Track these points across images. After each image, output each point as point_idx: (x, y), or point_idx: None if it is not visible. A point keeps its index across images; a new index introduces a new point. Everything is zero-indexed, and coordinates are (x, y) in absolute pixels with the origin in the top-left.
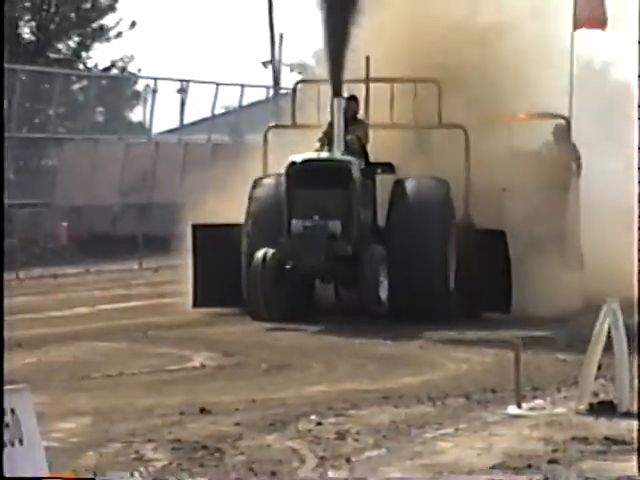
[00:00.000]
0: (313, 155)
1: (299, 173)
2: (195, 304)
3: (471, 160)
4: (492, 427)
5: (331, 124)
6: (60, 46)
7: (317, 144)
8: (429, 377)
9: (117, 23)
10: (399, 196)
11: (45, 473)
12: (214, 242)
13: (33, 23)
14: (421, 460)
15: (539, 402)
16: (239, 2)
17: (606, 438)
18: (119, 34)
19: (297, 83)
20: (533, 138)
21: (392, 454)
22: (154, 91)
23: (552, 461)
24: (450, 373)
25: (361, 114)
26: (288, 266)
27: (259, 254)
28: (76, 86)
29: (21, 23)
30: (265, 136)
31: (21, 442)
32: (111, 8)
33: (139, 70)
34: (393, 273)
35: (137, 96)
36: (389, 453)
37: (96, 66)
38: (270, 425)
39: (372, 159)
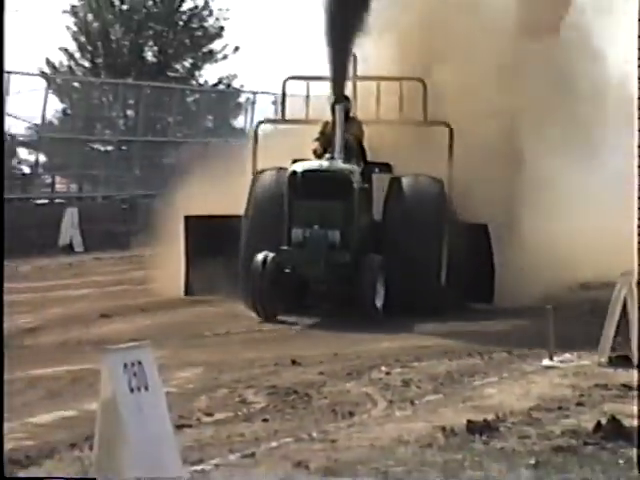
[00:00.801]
0: (315, 165)
1: (300, 183)
2: (187, 293)
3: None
4: (529, 376)
5: (326, 123)
6: (177, 66)
7: (315, 144)
8: (476, 336)
9: (223, 47)
10: (395, 194)
11: (166, 414)
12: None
13: (155, 48)
14: (471, 403)
15: (567, 356)
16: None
17: (623, 385)
18: (225, 56)
19: (287, 79)
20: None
21: (447, 398)
22: (253, 103)
23: (579, 404)
24: (493, 335)
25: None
26: (287, 270)
27: (259, 257)
28: (190, 99)
29: (146, 48)
30: (255, 132)
31: (146, 388)
32: (218, 35)
33: (241, 86)
34: (388, 270)
35: (239, 107)
36: (445, 397)
37: (206, 82)
38: (348, 374)
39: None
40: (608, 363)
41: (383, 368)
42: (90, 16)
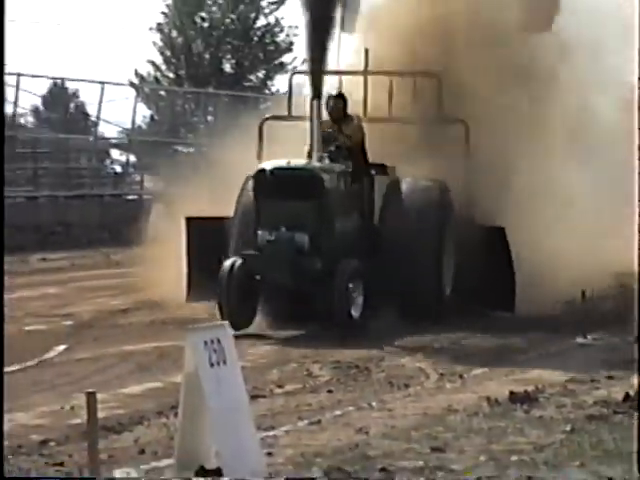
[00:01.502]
0: (282, 163)
1: (266, 182)
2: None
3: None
4: (565, 352)
5: (323, 122)
6: (252, 77)
7: (307, 147)
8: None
9: (293, 60)
10: (392, 198)
11: (242, 386)
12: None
13: (233, 60)
14: (513, 376)
15: (599, 335)
16: None
17: None
18: (294, 68)
19: (293, 74)
20: None
21: (492, 372)
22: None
23: (609, 377)
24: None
25: (354, 110)
26: (258, 277)
27: (227, 263)
28: (263, 106)
29: (224, 60)
30: (260, 128)
31: (224, 363)
32: (288, 49)
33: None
34: (382, 275)
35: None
36: (490, 371)
37: (277, 91)
38: (403, 350)
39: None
40: (635, 339)
41: (435, 345)
42: (174, 32)
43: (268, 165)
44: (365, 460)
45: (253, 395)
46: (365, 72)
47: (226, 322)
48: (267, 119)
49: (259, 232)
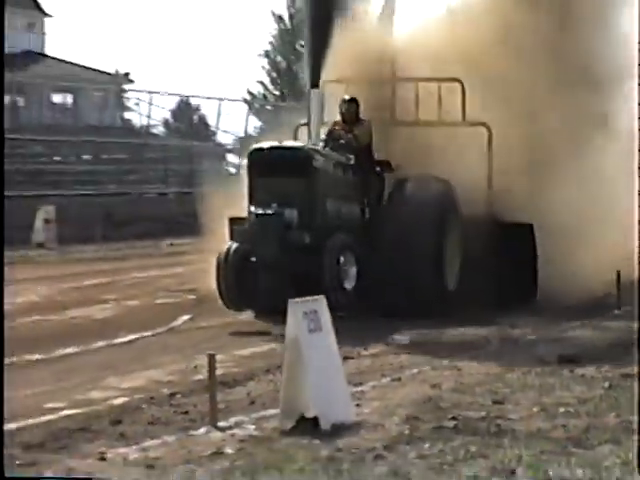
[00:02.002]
0: (274, 142)
1: (258, 159)
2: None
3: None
4: (603, 322)
5: (335, 123)
6: None
7: (321, 144)
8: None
9: None
10: (395, 193)
11: (335, 350)
12: None
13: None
14: (560, 342)
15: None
16: None
17: None
18: None
19: (325, 82)
20: None
21: (541, 338)
22: None
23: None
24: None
25: (364, 115)
26: (253, 259)
27: (224, 247)
28: None
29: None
30: (295, 133)
31: (320, 330)
32: None
33: None
34: (380, 269)
35: None
36: (539, 337)
37: None
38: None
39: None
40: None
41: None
42: (279, 57)
43: (261, 144)
44: (438, 411)
45: (344, 357)
46: (393, 79)
47: (322, 296)
48: (301, 125)
49: (251, 208)
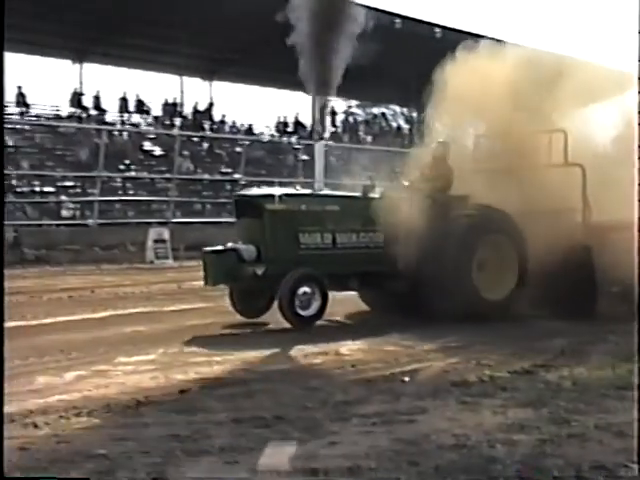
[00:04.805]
0: (247, 192)
1: (236, 205)
2: None
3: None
4: None
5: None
6: None
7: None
8: None
9: None
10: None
11: None
12: None
13: None
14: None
15: None
16: None
17: None
18: None
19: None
20: None
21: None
22: None
23: None
24: None
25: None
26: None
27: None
28: None
29: None
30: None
31: None
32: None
33: None
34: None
35: None
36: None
37: None
38: None
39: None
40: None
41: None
42: None
43: (241, 192)
44: None
45: None
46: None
47: None
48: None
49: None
